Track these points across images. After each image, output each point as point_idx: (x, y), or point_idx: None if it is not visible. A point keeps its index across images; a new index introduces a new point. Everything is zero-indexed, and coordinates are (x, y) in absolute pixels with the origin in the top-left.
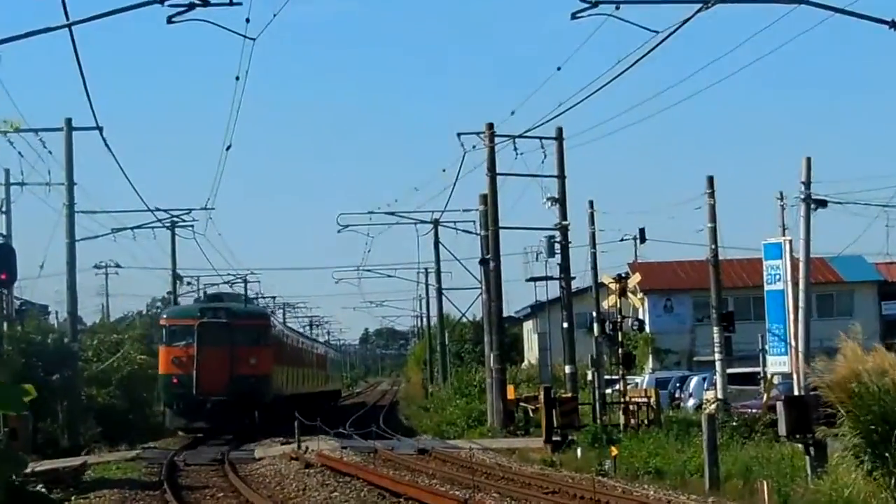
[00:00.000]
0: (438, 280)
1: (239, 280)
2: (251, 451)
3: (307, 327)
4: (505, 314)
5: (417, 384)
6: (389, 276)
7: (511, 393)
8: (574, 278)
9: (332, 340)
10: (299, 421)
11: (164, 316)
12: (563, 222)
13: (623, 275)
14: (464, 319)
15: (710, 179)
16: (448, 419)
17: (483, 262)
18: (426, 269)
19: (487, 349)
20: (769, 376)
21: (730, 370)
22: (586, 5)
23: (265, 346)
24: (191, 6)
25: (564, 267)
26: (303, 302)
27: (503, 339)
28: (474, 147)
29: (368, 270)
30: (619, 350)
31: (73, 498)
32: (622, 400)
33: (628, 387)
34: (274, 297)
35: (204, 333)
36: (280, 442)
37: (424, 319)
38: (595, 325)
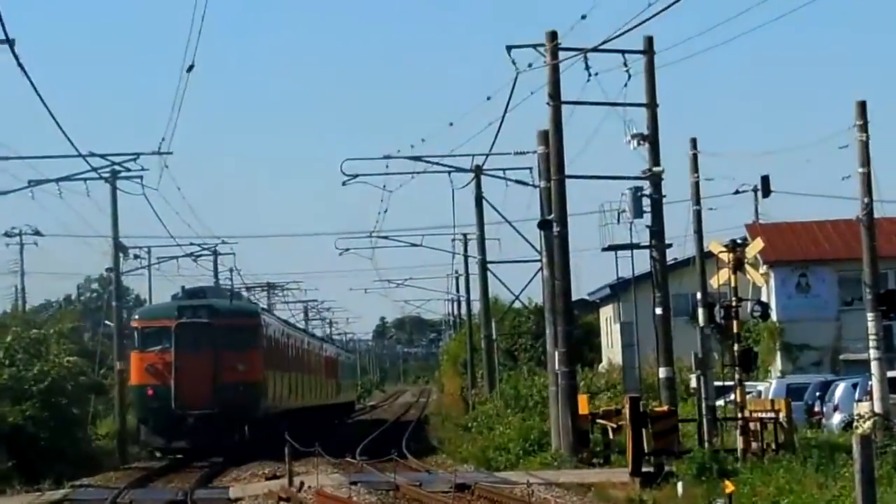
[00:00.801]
0: (482, 250)
1: (205, 252)
2: (225, 488)
3: (299, 317)
4: (575, 297)
5: (454, 394)
6: (414, 244)
7: (584, 406)
8: (670, 246)
9: (337, 334)
10: (291, 444)
11: (136, 317)
12: (655, 169)
13: (739, 241)
14: (517, 304)
15: (862, 106)
16: (497, 443)
17: (543, 224)
18: (464, 235)
19: (550, 345)
20: None
21: (891, 373)
22: None
23: (255, 349)
24: None
25: (656, 231)
26: (295, 282)
27: (572, 330)
28: (530, 66)
29: (384, 237)
30: (735, 346)
31: None
32: (739, 415)
33: (748, 397)
34: (241, 279)
35: (182, 336)
36: (265, 475)
37: (463, 304)
38: (700, 312)
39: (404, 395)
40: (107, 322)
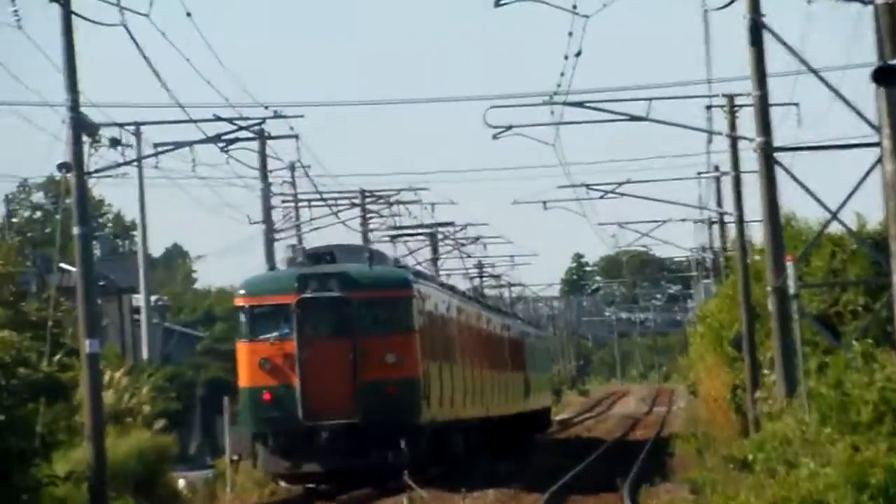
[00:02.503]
0: (763, 124)
1: (245, 131)
2: None
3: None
4: None
5: (718, 398)
6: (634, 117)
7: None
8: None
9: (493, 287)
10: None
11: (242, 291)
12: None
13: None
14: (834, 228)
15: None
16: (804, 493)
17: (886, 75)
18: (728, 96)
19: None
20: None
21: None
22: None
23: (410, 333)
24: None
25: None
26: (411, 188)
27: None
28: None
29: (577, 104)
30: None
31: None
32: None
33: None
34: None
35: (308, 317)
36: None
37: (729, 228)
38: None
39: (623, 399)
40: (62, 266)
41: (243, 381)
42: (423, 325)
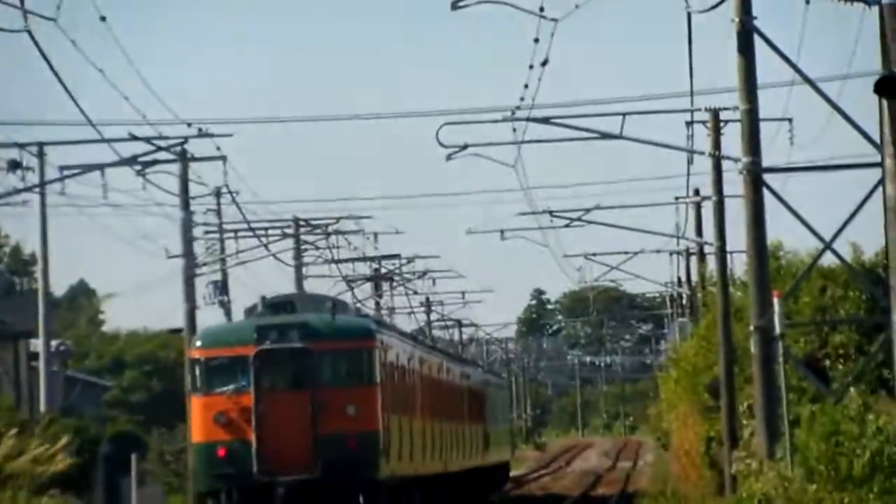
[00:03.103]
0: (751, 144)
1: (165, 152)
2: None
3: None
4: None
5: (691, 452)
6: (604, 134)
7: None
8: None
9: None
10: None
11: (198, 343)
12: None
13: None
14: (826, 260)
15: None
16: None
17: (889, 86)
18: (713, 110)
19: None
20: None
21: None
22: None
23: (371, 385)
24: None
25: None
26: (351, 216)
27: None
28: None
29: (544, 120)
30: None
31: None
32: None
33: None
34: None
35: (267, 369)
36: None
37: (710, 261)
38: None
39: (584, 453)
40: None
41: (196, 436)
42: (385, 376)
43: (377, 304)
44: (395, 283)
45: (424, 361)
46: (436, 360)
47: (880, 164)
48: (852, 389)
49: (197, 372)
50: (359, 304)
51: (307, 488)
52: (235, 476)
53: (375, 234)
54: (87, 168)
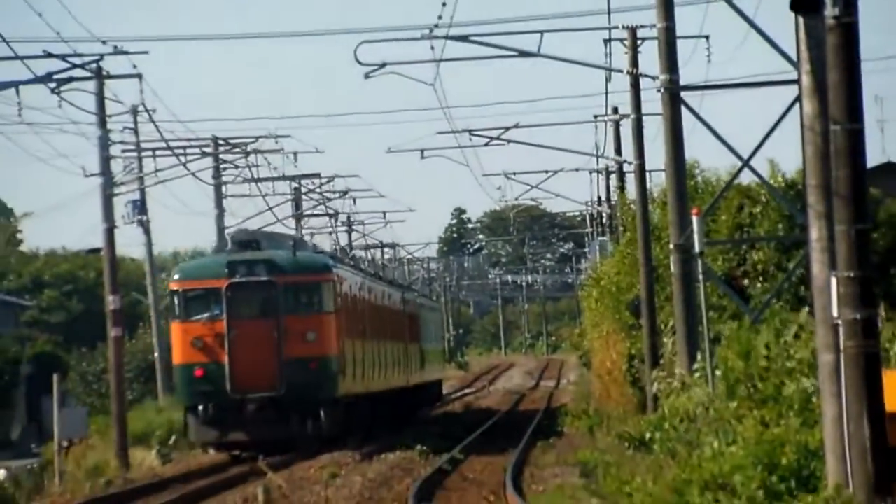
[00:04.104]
0: (668, 60)
1: (80, 70)
2: None
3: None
4: (875, 160)
5: (613, 371)
6: (521, 52)
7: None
8: None
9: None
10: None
11: (176, 276)
12: None
13: None
14: (745, 177)
15: None
16: (708, 476)
17: (803, 2)
18: (631, 27)
19: (818, 264)
20: None
21: None
22: None
23: (328, 314)
24: None
25: None
26: (269, 134)
27: (868, 231)
28: None
29: (461, 38)
30: None
31: None
32: None
33: None
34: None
35: (237, 299)
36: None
37: (629, 179)
38: None
39: (507, 373)
40: None
41: (177, 358)
42: (340, 306)
43: (297, 222)
44: (315, 203)
45: (371, 290)
46: (380, 287)
47: (797, 82)
48: (763, 312)
49: (176, 301)
50: (276, 222)
51: (273, 404)
52: (211, 393)
53: (295, 154)
54: (1, 86)
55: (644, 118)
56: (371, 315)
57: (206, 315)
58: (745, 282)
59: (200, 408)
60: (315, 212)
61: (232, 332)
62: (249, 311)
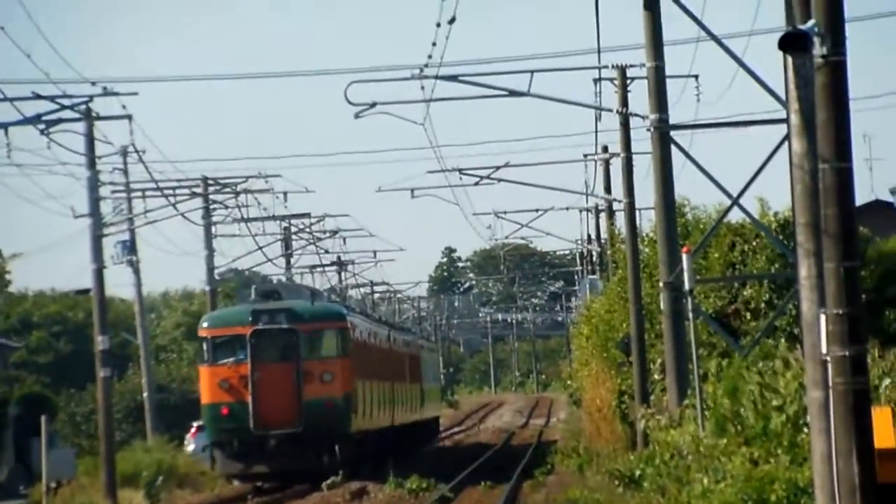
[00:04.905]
0: (658, 100)
1: (68, 111)
2: None
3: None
4: (863, 197)
5: (603, 409)
6: (512, 91)
7: (887, 431)
8: None
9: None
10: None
11: (205, 324)
12: None
13: None
14: (734, 216)
15: None
16: None
17: (792, 41)
18: (620, 67)
19: (808, 303)
20: None
21: None
22: None
23: (343, 357)
24: None
25: None
26: (260, 175)
27: (856, 269)
28: None
29: (450, 78)
30: None
31: None
32: None
33: None
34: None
35: (260, 345)
36: None
37: (619, 217)
38: None
39: (497, 411)
40: None
41: (205, 398)
42: (353, 350)
43: (287, 262)
44: (305, 242)
45: (377, 334)
46: (384, 331)
47: (786, 120)
48: (771, 342)
49: (205, 347)
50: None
51: (293, 440)
52: (236, 430)
53: (285, 193)
54: None
55: (634, 157)
56: (379, 357)
57: (231, 359)
58: (738, 321)
59: (226, 443)
60: (305, 251)
61: (255, 375)
62: (271, 355)
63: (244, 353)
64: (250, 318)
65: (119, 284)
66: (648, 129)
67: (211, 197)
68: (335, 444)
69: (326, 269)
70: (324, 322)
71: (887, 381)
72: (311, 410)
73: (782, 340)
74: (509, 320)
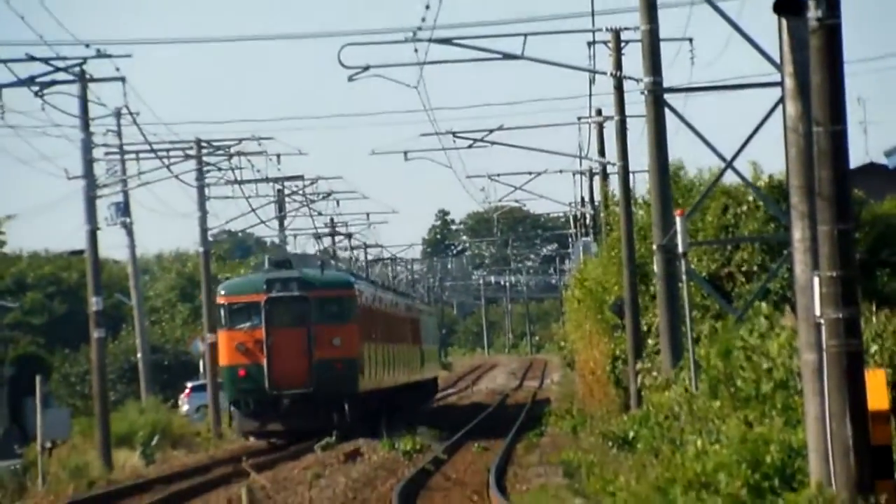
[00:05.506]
0: (652, 62)
1: (63, 73)
2: None
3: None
4: (857, 160)
5: (596, 371)
6: (505, 54)
7: (880, 392)
8: None
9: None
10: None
11: (222, 292)
12: None
13: None
14: (728, 178)
15: None
16: (691, 475)
17: (787, 4)
18: (614, 30)
19: (801, 265)
20: None
21: None
22: None
23: (351, 322)
24: None
25: None
26: (254, 136)
27: (851, 232)
28: None
29: (444, 41)
30: None
31: None
32: None
33: None
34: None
35: (274, 311)
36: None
37: (613, 180)
38: None
39: (490, 373)
40: None
41: (223, 360)
42: (360, 315)
43: (281, 224)
44: (299, 205)
45: (382, 300)
46: (389, 296)
47: (780, 84)
48: (762, 304)
49: (222, 313)
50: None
51: (305, 399)
52: (252, 390)
53: (278, 156)
54: None
55: (628, 120)
56: (384, 321)
57: (247, 324)
58: (731, 283)
59: (243, 403)
60: (298, 213)
61: (269, 339)
62: (284, 321)
63: (259, 318)
64: (265, 286)
65: (113, 246)
66: (642, 93)
67: (204, 159)
68: (344, 403)
69: (319, 230)
70: (333, 289)
71: (875, 348)
72: (322, 372)
73: (763, 304)
74: (502, 283)
